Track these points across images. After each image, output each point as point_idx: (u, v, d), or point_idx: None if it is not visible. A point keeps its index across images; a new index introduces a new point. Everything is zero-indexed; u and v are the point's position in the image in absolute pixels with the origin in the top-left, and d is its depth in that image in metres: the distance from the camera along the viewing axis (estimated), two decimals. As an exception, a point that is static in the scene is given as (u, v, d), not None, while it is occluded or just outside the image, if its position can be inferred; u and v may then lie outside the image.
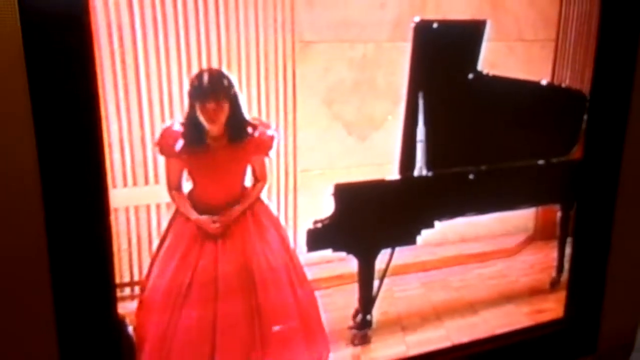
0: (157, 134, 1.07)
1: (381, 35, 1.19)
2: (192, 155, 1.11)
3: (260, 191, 1.17)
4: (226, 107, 1.10)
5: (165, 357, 1.14)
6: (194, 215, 1.14)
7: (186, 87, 1.06)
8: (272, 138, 1.15)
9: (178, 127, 1.08)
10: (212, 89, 1.08)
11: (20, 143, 0.89)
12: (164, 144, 1.07)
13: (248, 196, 1.17)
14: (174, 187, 1.11)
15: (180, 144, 1.08)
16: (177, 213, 1.13)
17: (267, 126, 1.14)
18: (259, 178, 1.17)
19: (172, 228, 1.13)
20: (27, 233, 0.92)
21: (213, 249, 1.16)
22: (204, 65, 1.07)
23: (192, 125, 1.08)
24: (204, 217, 1.14)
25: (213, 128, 1.10)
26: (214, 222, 1.15)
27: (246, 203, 1.17)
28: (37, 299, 0.95)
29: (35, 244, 0.93)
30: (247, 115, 1.12)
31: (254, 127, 1.13)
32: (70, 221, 0.95)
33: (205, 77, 1.07)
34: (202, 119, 1.09)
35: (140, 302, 1.11)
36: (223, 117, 1.10)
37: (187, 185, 1.13)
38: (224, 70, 1.09)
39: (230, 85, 1.09)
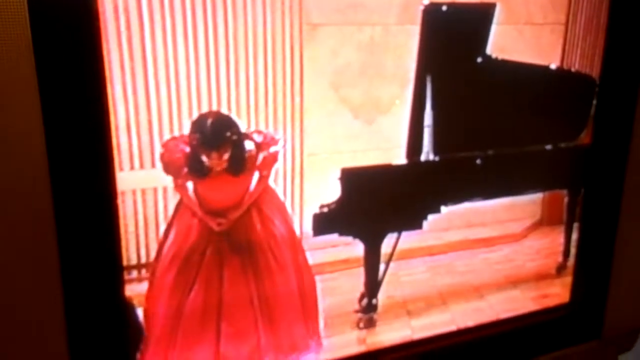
0: (160, 148, 1.07)
1: (389, 18, 1.18)
2: (195, 178, 1.11)
3: (264, 184, 1.17)
4: (229, 151, 1.10)
5: (172, 340, 1.15)
6: (199, 212, 1.14)
7: (192, 72, 1.06)
8: (275, 156, 1.14)
9: (181, 147, 1.08)
10: (215, 143, 1.08)
11: (28, 126, 0.89)
12: (168, 167, 1.08)
13: (253, 192, 1.17)
14: (179, 184, 1.11)
15: (184, 171, 1.09)
16: (181, 203, 1.13)
17: (272, 141, 1.14)
18: (264, 175, 1.17)
19: (178, 216, 1.13)
20: (34, 216, 0.92)
21: (219, 242, 1.16)
22: (211, 48, 1.06)
23: (194, 158, 1.09)
24: (208, 217, 1.14)
25: (214, 165, 1.11)
26: (218, 224, 1.15)
27: (251, 199, 1.17)
28: (45, 281, 0.95)
29: (43, 227, 0.93)
30: (248, 144, 1.12)
31: (258, 147, 1.13)
32: (77, 204, 0.95)
33: (208, 129, 1.07)
34: (204, 158, 1.10)
35: (151, 284, 1.12)
36: (225, 158, 1.11)
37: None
38: (232, 115, 1.09)
39: (234, 133, 1.09)
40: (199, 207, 1.14)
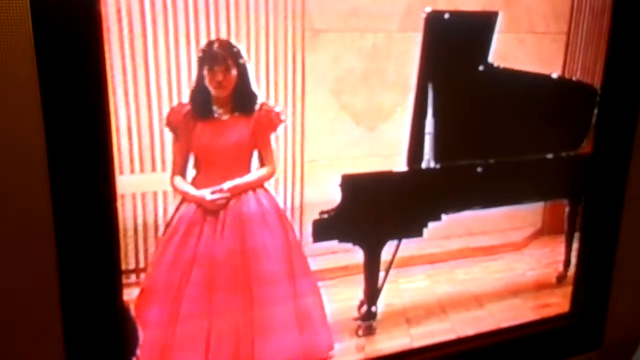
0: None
1: (392, 25, 1.18)
2: (198, 126, 1.10)
3: (266, 177, 1.16)
4: (234, 73, 1.09)
5: (167, 343, 1.14)
6: (192, 191, 1.13)
7: (194, 75, 1.06)
8: (278, 115, 1.14)
9: (186, 101, 1.08)
10: (221, 53, 1.07)
11: (29, 129, 0.89)
12: (171, 114, 1.07)
13: (252, 175, 1.16)
14: (178, 171, 1.11)
15: (186, 109, 1.08)
16: (182, 203, 1.13)
17: (274, 107, 1.14)
18: (266, 163, 1.16)
19: (176, 215, 1.13)
20: (35, 219, 0.92)
21: (213, 230, 1.15)
22: (213, 53, 1.07)
23: (199, 92, 1.08)
24: (202, 191, 1.13)
25: (220, 94, 1.10)
26: (212, 193, 1.14)
27: (248, 181, 1.16)
28: (44, 284, 0.95)
29: (43, 230, 0.93)
30: (257, 91, 1.12)
31: (261, 106, 1.13)
32: (77, 207, 0.95)
33: (216, 43, 1.07)
34: (210, 86, 1.09)
35: (143, 289, 1.11)
36: (231, 83, 1.10)
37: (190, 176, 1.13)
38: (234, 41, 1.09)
39: (240, 54, 1.09)
40: (192, 187, 1.12)
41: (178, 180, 1.12)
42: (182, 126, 1.09)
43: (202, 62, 1.06)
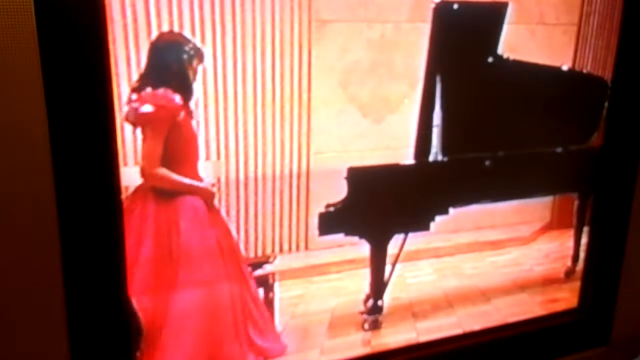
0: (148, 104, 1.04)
1: (400, 15, 1.17)
2: (183, 112, 1.09)
3: None
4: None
5: (178, 337, 1.14)
6: (196, 183, 1.12)
7: (199, 67, 1.06)
8: None
9: (168, 92, 1.06)
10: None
11: (32, 119, 0.88)
12: (168, 103, 1.05)
13: None
14: (160, 162, 1.08)
15: (177, 98, 1.06)
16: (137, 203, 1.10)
17: None
18: None
19: (177, 204, 1.12)
20: (37, 211, 0.92)
21: (220, 220, 1.15)
22: (219, 44, 1.05)
23: (192, 83, 1.07)
24: (204, 183, 1.12)
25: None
26: (213, 185, 1.13)
27: None
28: (48, 276, 0.95)
29: (46, 222, 0.92)
30: None
31: None
32: (81, 199, 0.94)
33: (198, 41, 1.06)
34: (194, 80, 1.07)
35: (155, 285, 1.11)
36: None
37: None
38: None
39: None
40: (192, 180, 1.11)
41: (168, 173, 1.10)
42: (178, 111, 1.07)
43: (199, 57, 1.05)
